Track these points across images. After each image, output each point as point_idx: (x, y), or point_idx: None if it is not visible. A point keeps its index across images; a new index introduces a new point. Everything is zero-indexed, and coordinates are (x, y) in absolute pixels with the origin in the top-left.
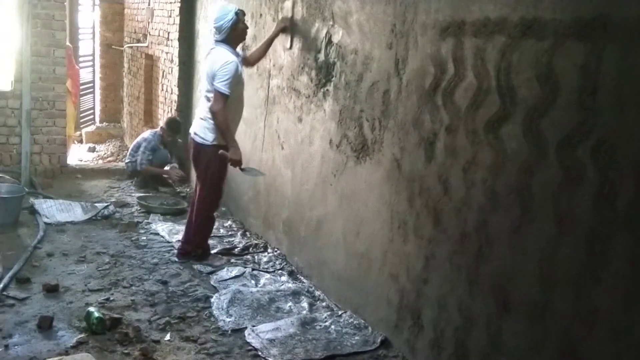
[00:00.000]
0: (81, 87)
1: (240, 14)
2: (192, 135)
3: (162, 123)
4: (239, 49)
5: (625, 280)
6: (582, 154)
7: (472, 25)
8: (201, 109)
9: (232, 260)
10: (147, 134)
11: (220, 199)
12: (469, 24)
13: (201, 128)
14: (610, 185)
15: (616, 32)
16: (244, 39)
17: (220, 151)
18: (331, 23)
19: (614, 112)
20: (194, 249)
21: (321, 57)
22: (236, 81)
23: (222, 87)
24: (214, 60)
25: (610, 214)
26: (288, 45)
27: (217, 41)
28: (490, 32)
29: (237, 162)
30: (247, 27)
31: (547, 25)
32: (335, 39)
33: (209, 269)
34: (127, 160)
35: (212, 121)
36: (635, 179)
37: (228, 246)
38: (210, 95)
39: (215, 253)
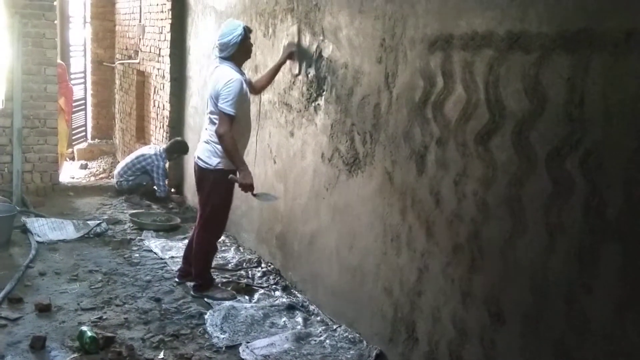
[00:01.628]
0: (74, 105)
1: (247, 30)
2: (196, 159)
3: (167, 146)
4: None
5: (615, 289)
6: (570, 165)
7: (460, 39)
8: (205, 132)
9: (227, 276)
10: (151, 155)
11: (224, 227)
12: (457, 38)
13: (204, 152)
14: (599, 195)
15: (601, 44)
16: (250, 57)
17: (230, 176)
18: (321, 38)
19: (601, 123)
20: (194, 278)
21: (312, 71)
22: (241, 100)
23: (227, 108)
24: (217, 80)
25: (599, 224)
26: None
27: (221, 59)
28: (478, 46)
29: (248, 187)
30: (252, 45)
31: (533, 38)
32: (326, 53)
33: (210, 301)
34: (121, 179)
35: (216, 145)
36: (623, 189)
37: (221, 262)
38: (215, 117)
39: (218, 284)
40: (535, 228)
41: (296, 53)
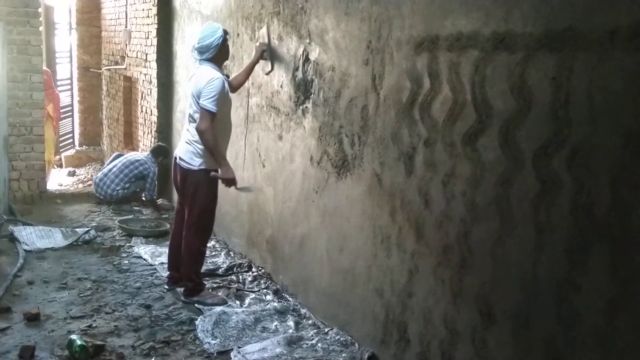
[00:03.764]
0: (61, 111)
1: (225, 33)
2: (177, 160)
3: (152, 150)
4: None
5: (605, 288)
6: (557, 164)
7: (446, 40)
8: (186, 132)
9: (217, 281)
10: (146, 160)
11: (212, 228)
12: (443, 39)
13: (187, 153)
14: (586, 194)
15: (585, 43)
16: (228, 58)
17: (212, 173)
18: (308, 41)
19: (587, 122)
20: (184, 282)
21: (299, 74)
22: (223, 99)
23: (209, 105)
24: (199, 79)
25: (587, 222)
26: (268, 69)
27: (201, 60)
28: (464, 47)
29: (231, 182)
30: (229, 47)
31: (518, 38)
32: (313, 56)
33: (201, 307)
34: (118, 188)
35: (198, 145)
36: (610, 187)
37: (212, 267)
38: (197, 115)
39: (209, 289)
40: (524, 227)
41: (267, 52)
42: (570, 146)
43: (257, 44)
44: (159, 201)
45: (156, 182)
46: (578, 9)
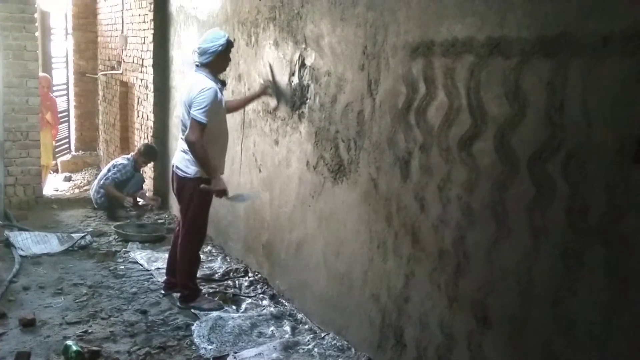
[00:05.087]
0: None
1: (229, 43)
2: (174, 168)
3: (137, 149)
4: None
5: (600, 292)
6: (552, 169)
7: (441, 46)
8: (182, 141)
9: (214, 286)
10: (120, 160)
11: (205, 234)
12: (438, 44)
13: (182, 161)
14: (581, 198)
15: (580, 48)
16: (225, 70)
17: (202, 185)
18: (304, 46)
19: (582, 126)
20: (180, 290)
21: (295, 79)
22: (216, 108)
23: (199, 115)
24: (192, 88)
25: (583, 226)
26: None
27: (197, 66)
28: (459, 52)
29: (222, 193)
30: (230, 59)
31: (513, 43)
32: (309, 61)
33: (197, 312)
34: (98, 196)
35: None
36: (605, 192)
37: (208, 272)
38: (188, 124)
39: (205, 294)
40: (520, 231)
41: (272, 89)
42: (565, 151)
43: (261, 80)
44: (140, 201)
45: (114, 178)
46: (572, 15)
